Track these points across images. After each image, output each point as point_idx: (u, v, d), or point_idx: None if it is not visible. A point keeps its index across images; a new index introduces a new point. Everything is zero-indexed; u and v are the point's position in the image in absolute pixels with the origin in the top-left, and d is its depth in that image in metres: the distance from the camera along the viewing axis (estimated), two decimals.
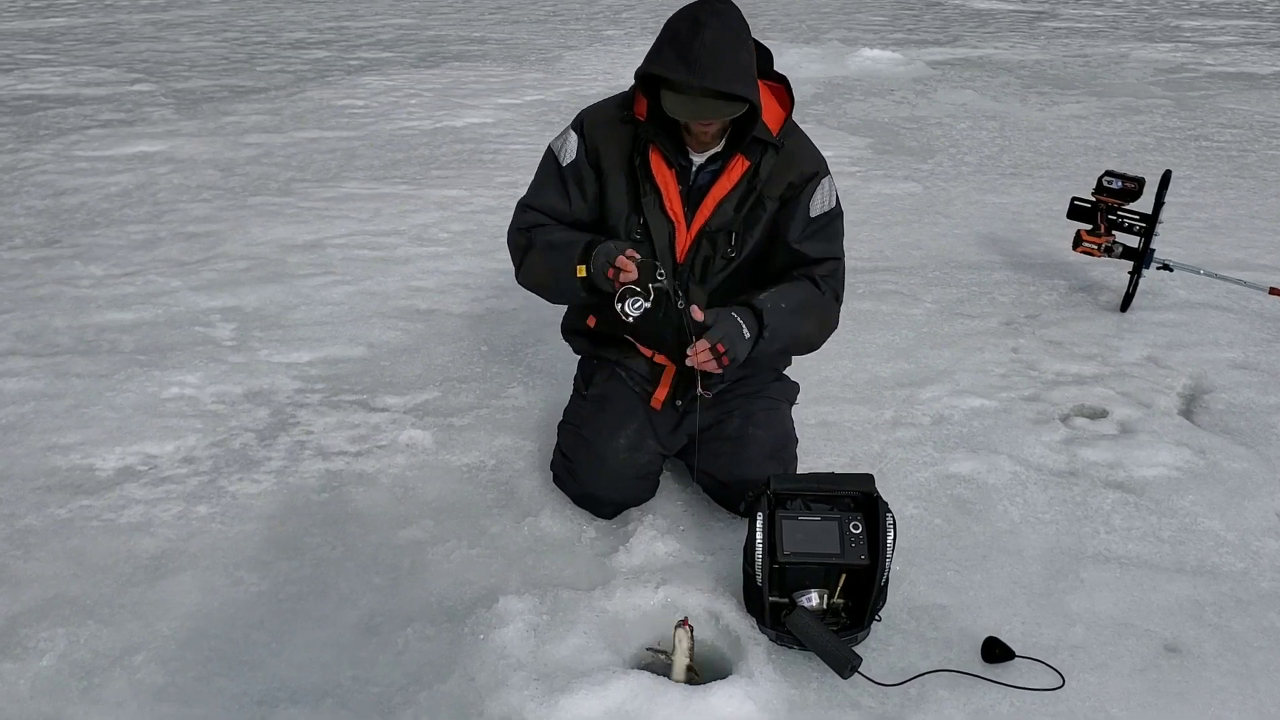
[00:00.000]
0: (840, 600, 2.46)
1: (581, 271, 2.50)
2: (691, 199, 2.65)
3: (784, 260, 2.72)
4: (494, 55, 12.86)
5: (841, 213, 2.79)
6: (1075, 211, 4.64)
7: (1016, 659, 2.43)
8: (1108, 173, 4.54)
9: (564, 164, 2.69)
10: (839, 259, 2.79)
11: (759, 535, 2.42)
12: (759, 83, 2.56)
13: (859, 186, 6.88)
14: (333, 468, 3.21)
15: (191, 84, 10.38)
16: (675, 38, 2.40)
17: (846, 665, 2.28)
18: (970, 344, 4.22)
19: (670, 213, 2.65)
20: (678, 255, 2.69)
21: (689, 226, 2.66)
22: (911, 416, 3.59)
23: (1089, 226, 4.59)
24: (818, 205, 2.69)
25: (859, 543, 2.42)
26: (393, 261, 5.18)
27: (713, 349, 2.43)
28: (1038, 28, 16.57)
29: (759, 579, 2.42)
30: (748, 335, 2.49)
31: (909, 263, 5.34)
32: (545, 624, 2.49)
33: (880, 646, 2.46)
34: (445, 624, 2.51)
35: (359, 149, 7.76)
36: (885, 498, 2.47)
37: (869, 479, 2.49)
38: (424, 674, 2.36)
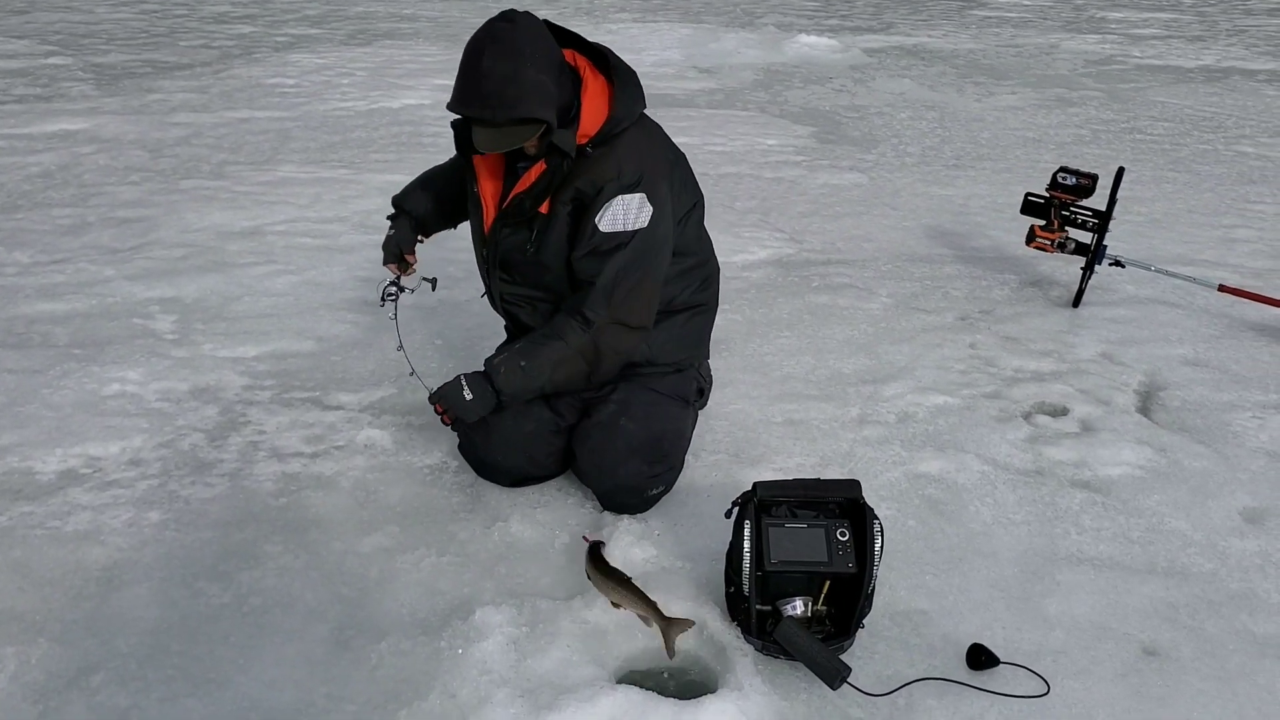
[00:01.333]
0: (824, 608, 2.43)
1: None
2: (505, 194, 2.72)
3: (571, 273, 2.74)
4: (426, 34, 12.63)
5: (649, 234, 2.65)
6: (1028, 207, 4.66)
7: (1001, 665, 2.42)
8: (1062, 169, 4.57)
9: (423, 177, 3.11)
10: (609, 285, 2.66)
11: (746, 544, 2.38)
12: (591, 80, 2.59)
13: (805, 176, 6.88)
14: (289, 470, 3.10)
15: (110, 58, 10.03)
16: (462, 71, 2.45)
17: (836, 676, 2.26)
18: (929, 339, 4.23)
19: (481, 195, 2.77)
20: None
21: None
22: (877, 414, 3.58)
23: (1042, 222, 4.62)
24: (607, 221, 2.61)
25: (846, 550, 2.40)
26: (336, 250, 5.04)
27: (434, 409, 2.76)
28: (968, 16, 16.77)
29: (745, 588, 2.38)
30: (469, 397, 2.70)
31: (861, 255, 5.34)
32: (525, 636, 2.42)
33: (865, 654, 2.44)
34: (420, 637, 2.44)
35: (293, 130, 7.55)
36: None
37: (855, 485, 2.46)
38: (402, 691, 2.28)
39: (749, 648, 2.41)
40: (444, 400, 2.73)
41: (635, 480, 2.84)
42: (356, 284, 4.60)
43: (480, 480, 3.05)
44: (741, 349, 4.05)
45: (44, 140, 6.90)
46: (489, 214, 2.77)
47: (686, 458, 3.08)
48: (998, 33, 14.81)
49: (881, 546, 2.39)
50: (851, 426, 3.49)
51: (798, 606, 2.43)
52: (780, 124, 8.51)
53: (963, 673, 2.41)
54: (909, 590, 2.68)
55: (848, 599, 2.41)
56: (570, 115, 2.55)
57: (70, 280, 4.48)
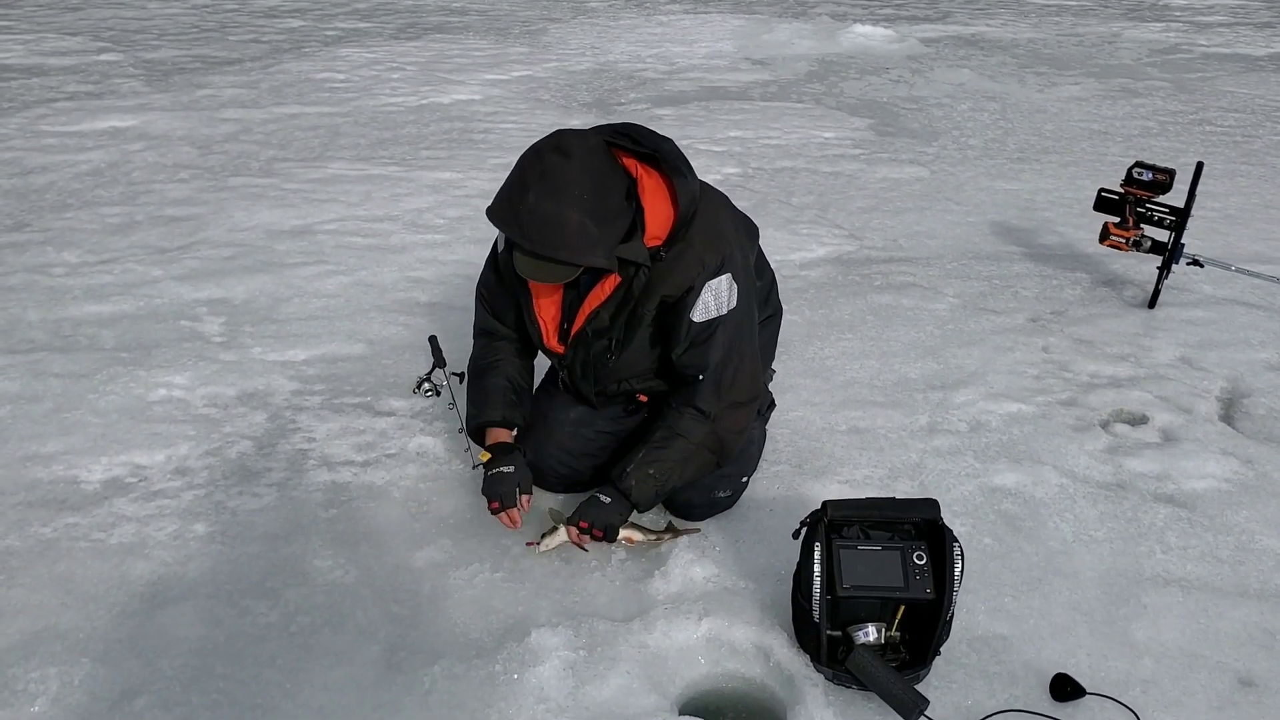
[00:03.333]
0: (898, 634, 2.31)
1: (484, 457, 2.76)
2: (572, 305, 2.63)
3: (672, 370, 2.67)
4: (476, 27, 12.57)
5: (740, 311, 2.60)
6: (1102, 203, 4.49)
7: (1087, 696, 2.29)
8: (1138, 164, 4.39)
9: (479, 288, 2.87)
10: (716, 375, 2.61)
11: (816, 567, 2.26)
12: (646, 178, 2.42)
13: (864, 170, 6.72)
14: (339, 479, 3.02)
15: (161, 54, 10.06)
16: (509, 193, 2.31)
17: (914, 709, 2.14)
18: (999, 342, 4.07)
19: (539, 319, 2.68)
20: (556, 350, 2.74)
21: (569, 328, 2.64)
22: (947, 422, 3.44)
23: (1116, 219, 4.45)
24: (700, 311, 2.54)
25: (923, 575, 2.27)
26: (388, 250, 4.97)
27: (578, 529, 2.63)
28: (1026, 4, 16.43)
29: (815, 614, 2.26)
30: (607, 500, 2.64)
31: (925, 253, 5.18)
32: (583, 661, 2.32)
33: (942, 684, 2.31)
34: (474, 660, 2.34)
35: (342, 126, 7.51)
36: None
37: (934, 505, 2.33)
38: (456, 718, 2.18)
39: (819, 677, 2.30)
40: (589, 517, 2.62)
41: (704, 475, 2.74)
42: (408, 285, 4.53)
43: (535, 491, 2.94)
44: (801, 352, 3.92)
45: (94, 138, 6.91)
46: (550, 327, 2.70)
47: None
48: (1058, 21, 14.48)
49: (961, 571, 2.26)
50: (921, 436, 3.35)
51: (870, 633, 2.31)
52: (836, 116, 8.35)
53: (1046, 704, 2.28)
54: (987, 614, 2.54)
55: (924, 624, 2.28)
56: (634, 225, 2.40)
57: (118, 281, 4.44)
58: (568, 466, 2.90)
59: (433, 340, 3.41)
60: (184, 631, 2.41)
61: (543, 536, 2.65)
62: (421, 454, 3.16)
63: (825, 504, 2.33)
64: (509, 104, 8.12)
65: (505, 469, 2.68)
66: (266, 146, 6.86)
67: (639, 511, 2.68)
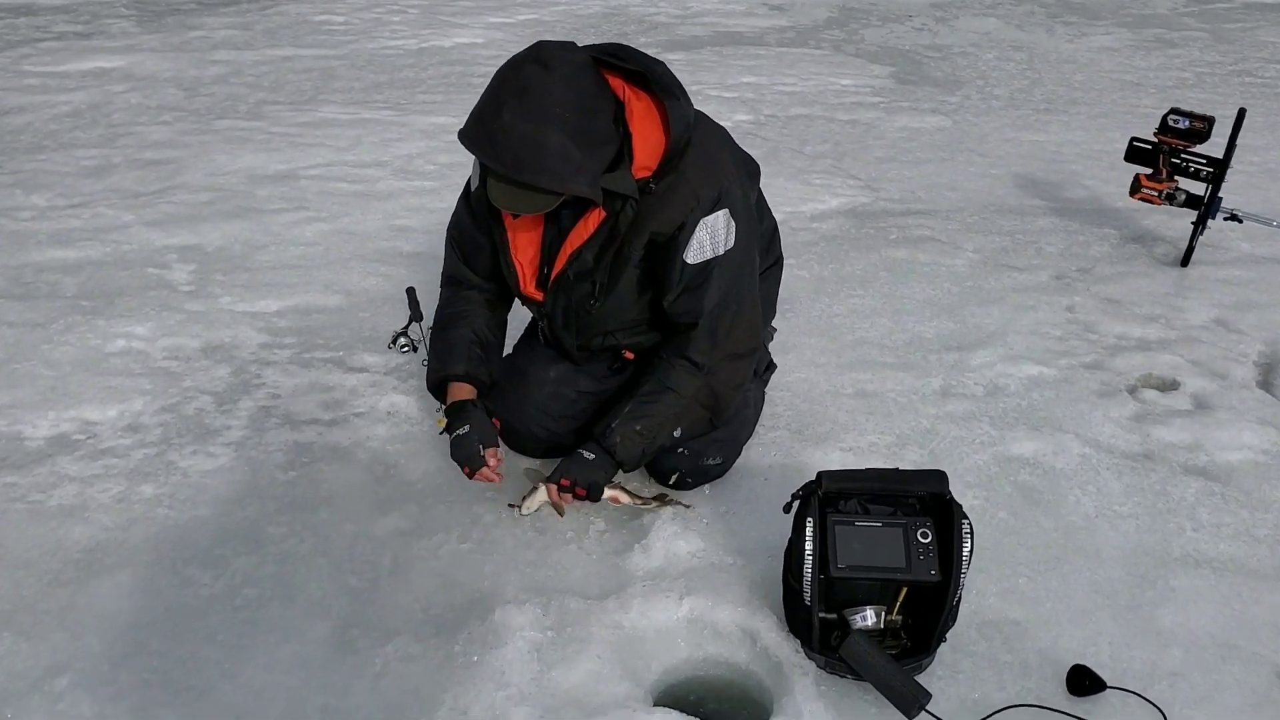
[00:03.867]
0: (898, 618, 2.11)
1: (440, 423, 2.53)
2: (552, 244, 2.41)
3: (663, 316, 2.45)
4: None
5: (738, 252, 2.38)
6: (1134, 153, 4.24)
7: (1108, 690, 2.09)
8: (1173, 110, 4.13)
9: (450, 230, 2.64)
10: (712, 323, 2.40)
11: (808, 545, 2.06)
12: (635, 102, 2.19)
13: (883, 119, 6.46)
14: (302, 439, 2.84)
15: None
16: (482, 111, 2.06)
17: (914, 703, 1.94)
18: (1020, 301, 3.84)
19: (516, 262, 2.46)
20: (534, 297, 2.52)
21: (549, 272, 2.43)
22: (962, 386, 3.22)
23: (1149, 170, 4.20)
24: (694, 251, 2.32)
25: (928, 554, 2.07)
26: (374, 197, 4.76)
27: (559, 486, 2.39)
28: None
29: (806, 596, 2.06)
30: (591, 456, 2.42)
31: (944, 205, 4.95)
32: (550, 642, 2.14)
33: (948, 674, 2.12)
34: (433, 639, 2.16)
35: (337, 69, 7.28)
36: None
37: (941, 477, 2.12)
38: (407, 705, 2.01)
39: (810, 665, 2.11)
40: (568, 473, 2.39)
41: (695, 434, 2.55)
42: (392, 233, 4.33)
43: (511, 455, 2.75)
44: (807, 309, 3.70)
45: (77, 78, 6.70)
46: (527, 271, 2.48)
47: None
48: None
49: (971, 550, 2.05)
50: (933, 400, 3.14)
51: (869, 617, 2.11)
52: (856, 64, 8.06)
53: (1062, 698, 2.09)
54: (999, 596, 2.34)
55: (928, 609, 2.09)
56: (621, 153, 2.18)
57: (86, 226, 4.25)
58: (547, 430, 2.69)
59: (410, 292, 3.22)
60: (119, 603, 2.24)
61: (523, 498, 2.45)
62: (393, 413, 2.97)
63: (820, 475, 2.13)
64: (512, 48, 7.79)
65: (461, 430, 2.45)
66: (256, 89, 6.65)
67: (624, 471, 2.47)
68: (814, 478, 2.14)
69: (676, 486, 2.62)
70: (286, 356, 3.28)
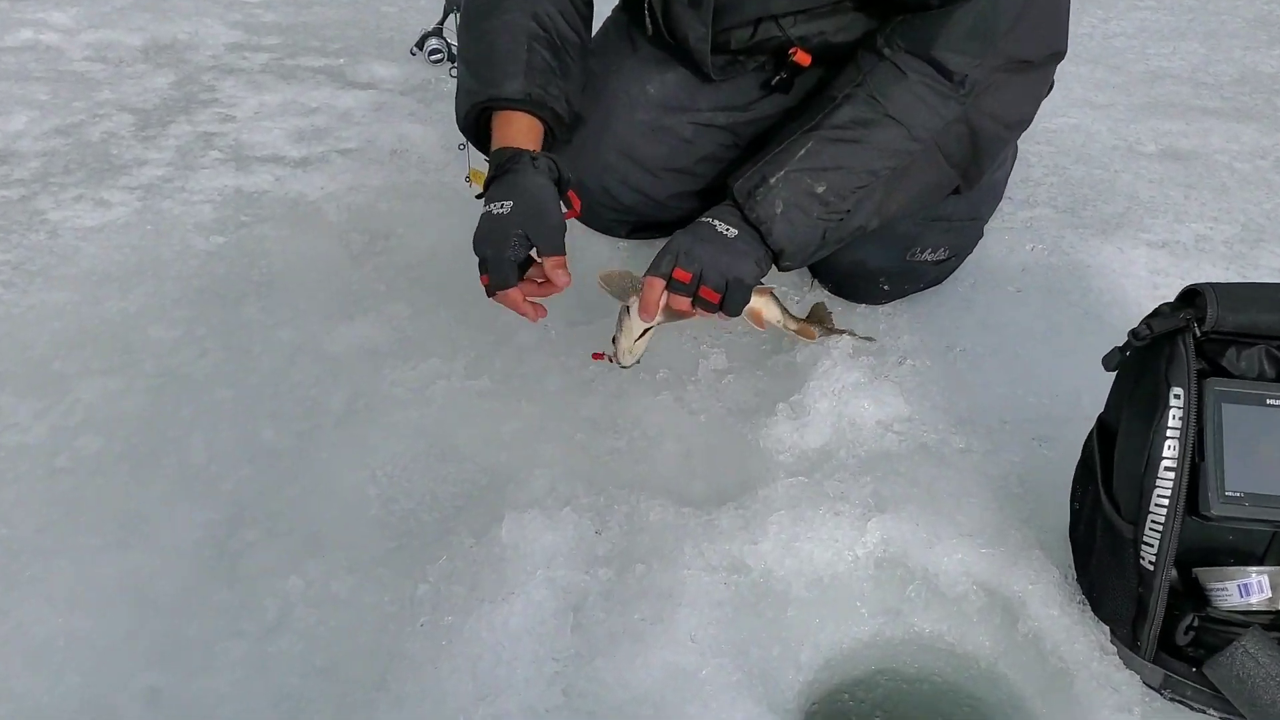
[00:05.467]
0: None
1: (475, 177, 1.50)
2: None
3: None
4: None
5: None
6: None
7: None
8: None
9: None
10: None
11: (1166, 446, 0.96)
12: None
13: None
14: (249, 186, 1.86)
15: None
16: None
17: None
18: None
19: None
20: None
21: None
22: None
23: None
24: None
25: None
26: None
27: (674, 284, 1.29)
28: None
29: (1149, 552, 0.98)
30: (731, 236, 1.31)
31: None
32: (598, 604, 1.11)
33: None
34: (372, 578, 1.16)
35: None
36: None
37: None
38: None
39: (1127, 679, 1.05)
40: (691, 257, 1.29)
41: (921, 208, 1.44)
42: None
43: (586, 241, 1.68)
44: (1072, 26, 2.43)
45: None
46: None
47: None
48: None
49: None
50: None
51: (1253, 588, 1.04)
52: None
53: None
54: None
55: None
56: None
57: None
58: (636, 189, 1.61)
59: None
60: None
61: (616, 336, 1.36)
62: (400, 151, 1.94)
63: (1195, 291, 1.00)
64: None
65: (500, 207, 1.30)
66: None
67: (779, 268, 1.35)
68: (1177, 298, 1.02)
69: (857, 297, 1.52)
70: (260, 63, 2.26)
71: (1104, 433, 1.10)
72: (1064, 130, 2.03)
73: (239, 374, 1.44)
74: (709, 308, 1.29)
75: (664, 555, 1.14)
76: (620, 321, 1.33)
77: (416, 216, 1.76)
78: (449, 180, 1.85)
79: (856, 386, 1.35)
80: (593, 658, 1.04)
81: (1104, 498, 1.06)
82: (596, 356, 1.39)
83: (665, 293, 1.27)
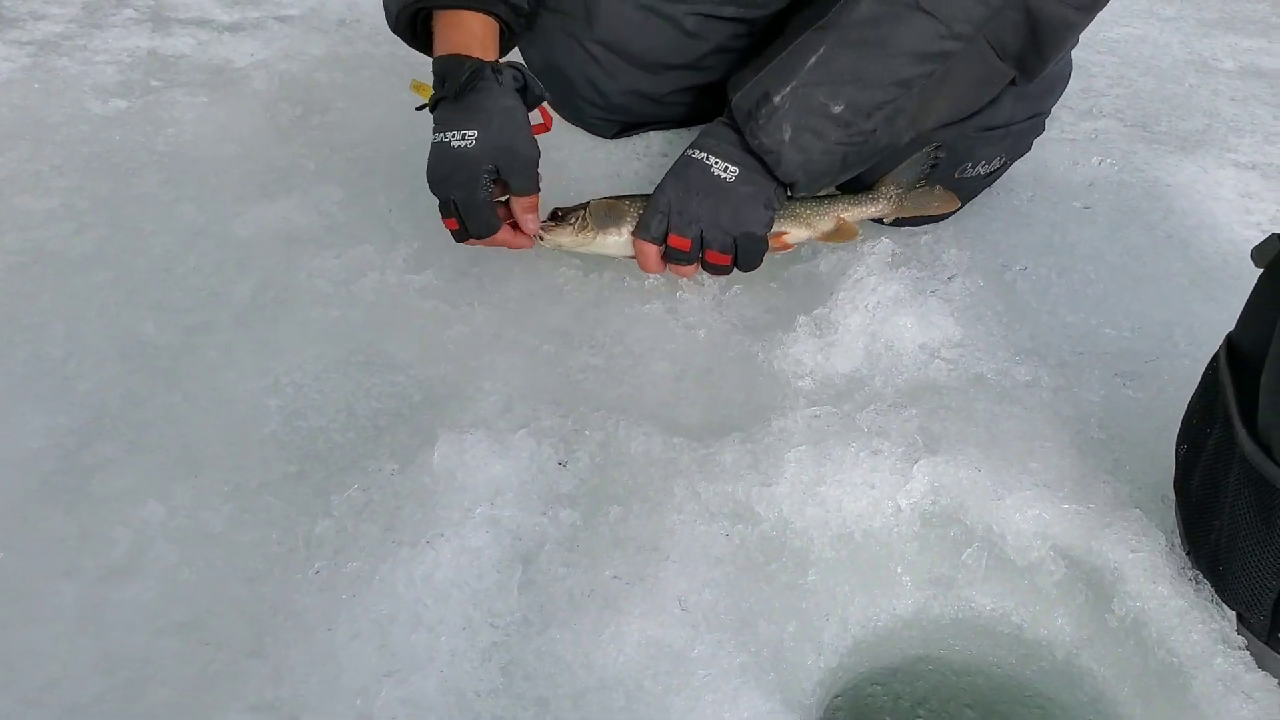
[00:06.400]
0: None
1: (420, 89, 1.15)
2: None
3: None
4: None
5: None
6: None
7: None
8: None
9: None
10: None
11: None
12: None
13: None
14: (166, 49, 1.57)
15: None
16: None
17: None
18: None
19: None
20: None
21: None
22: None
23: None
24: None
25: None
26: None
27: (669, 252, 1.11)
28: None
29: None
30: (729, 181, 1.09)
31: None
32: (574, 557, 0.84)
33: None
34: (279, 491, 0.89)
35: None
36: None
37: None
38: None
39: (1265, 684, 0.78)
40: (687, 218, 1.09)
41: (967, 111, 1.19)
42: None
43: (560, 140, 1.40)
44: None
45: None
46: None
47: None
48: None
49: None
50: None
51: None
52: None
53: None
54: None
55: None
56: None
57: None
58: (629, 88, 1.36)
59: None
60: None
61: (558, 217, 1.12)
62: (350, 21, 1.68)
63: None
64: None
65: (460, 139, 1.06)
66: None
67: (791, 194, 1.12)
68: None
69: (897, 216, 1.27)
70: None
71: (1236, 355, 0.84)
72: (1128, 40, 1.77)
73: (122, 255, 1.17)
74: (721, 271, 1.08)
75: (647, 496, 0.88)
76: (577, 218, 1.09)
77: (362, 90, 1.48)
78: (405, 54, 1.56)
79: (896, 301, 1.09)
80: (546, 626, 0.79)
81: (1243, 436, 0.79)
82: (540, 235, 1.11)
83: (656, 251, 1.10)
